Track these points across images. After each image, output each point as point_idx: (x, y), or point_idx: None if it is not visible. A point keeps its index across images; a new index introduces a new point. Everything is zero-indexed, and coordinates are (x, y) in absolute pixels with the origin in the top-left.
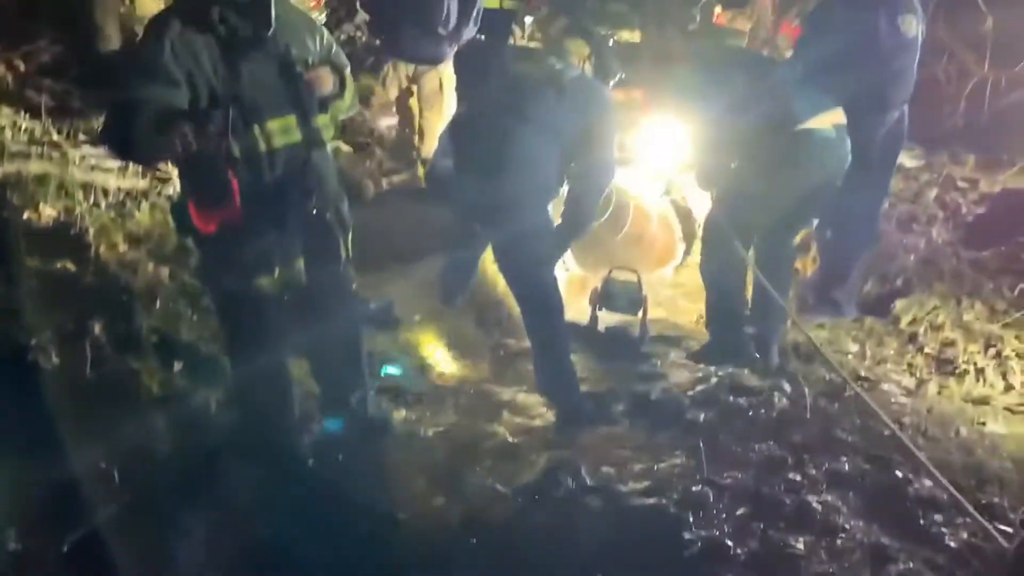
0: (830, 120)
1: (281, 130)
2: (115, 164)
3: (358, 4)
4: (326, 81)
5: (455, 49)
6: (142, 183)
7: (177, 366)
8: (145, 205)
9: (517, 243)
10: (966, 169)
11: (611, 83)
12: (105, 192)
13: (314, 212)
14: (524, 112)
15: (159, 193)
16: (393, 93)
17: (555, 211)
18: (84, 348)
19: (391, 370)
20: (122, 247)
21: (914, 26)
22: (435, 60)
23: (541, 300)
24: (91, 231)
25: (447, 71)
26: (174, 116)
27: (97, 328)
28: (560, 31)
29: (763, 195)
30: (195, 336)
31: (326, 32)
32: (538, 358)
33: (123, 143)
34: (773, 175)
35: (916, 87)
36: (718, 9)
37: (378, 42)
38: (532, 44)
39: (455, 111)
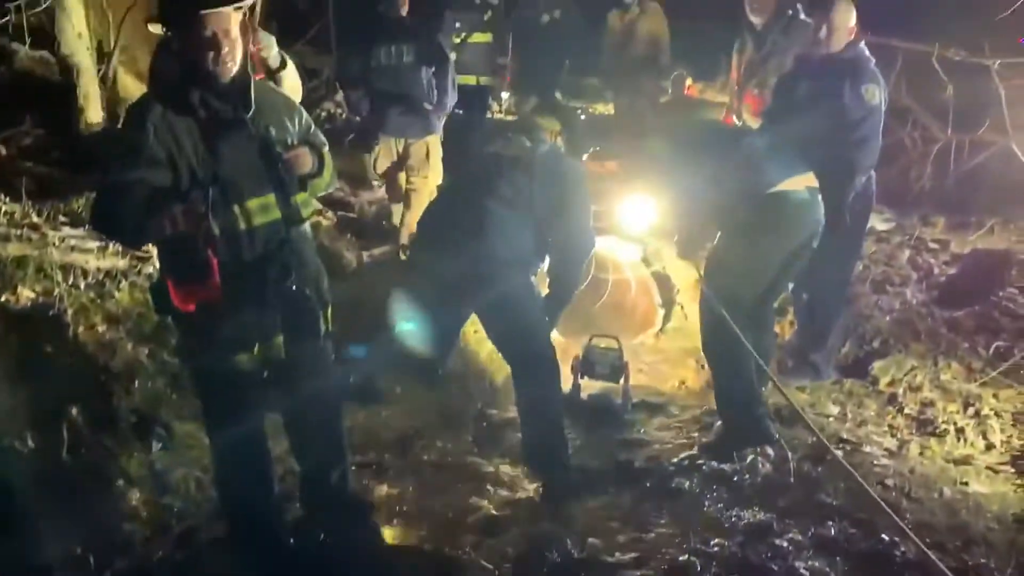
0: (803, 183)
1: (261, 209)
2: (95, 244)
3: (340, 91)
4: (305, 160)
5: (443, 119)
6: (121, 263)
7: (156, 446)
8: (125, 284)
9: (503, 315)
10: (936, 230)
11: (583, 156)
12: (84, 273)
13: (293, 288)
14: (497, 189)
15: (139, 272)
16: (383, 167)
17: (541, 282)
18: (60, 431)
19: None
20: (101, 327)
21: (877, 95)
22: (426, 133)
23: (532, 369)
24: (70, 312)
25: (434, 138)
26: (161, 198)
27: (74, 410)
28: (531, 110)
29: (747, 264)
30: (174, 415)
31: (304, 112)
32: (529, 429)
33: (113, 227)
34: (755, 242)
35: (884, 152)
36: (689, 81)
37: (361, 119)
38: (509, 118)
39: (438, 186)
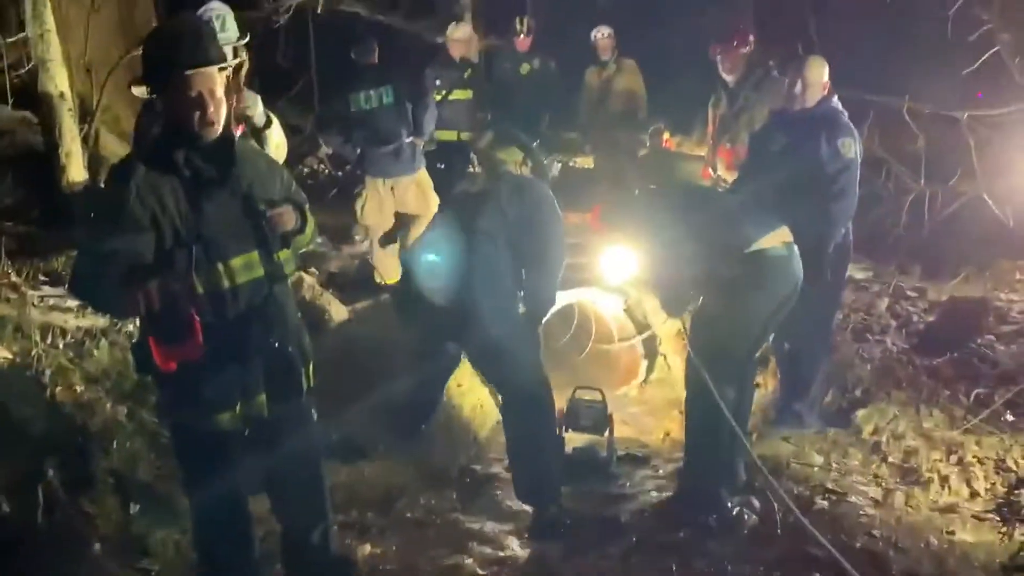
0: (780, 238)
1: (244, 266)
2: (75, 303)
3: (320, 139)
4: (289, 218)
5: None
6: (101, 321)
7: (134, 508)
8: (104, 343)
9: (492, 348)
10: (914, 279)
11: (550, 174)
12: (63, 332)
13: (276, 345)
14: (474, 225)
15: (119, 331)
16: (370, 214)
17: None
18: (36, 493)
19: None
20: (79, 387)
21: (852, 148)
22: (413, 171)
23: (523, 399)
24: (48, 372)
25: (423, 174)
26: (140, 272)
27: (51, 472)
28: (489, 144)
29: (731, 323)
30: (153, 476)
31: (285, 171)
32: (520, 461)
33: (92, 296)
34: (737, 301)
35: (860, 202)
36: (667, 135)
37: (348, 161)
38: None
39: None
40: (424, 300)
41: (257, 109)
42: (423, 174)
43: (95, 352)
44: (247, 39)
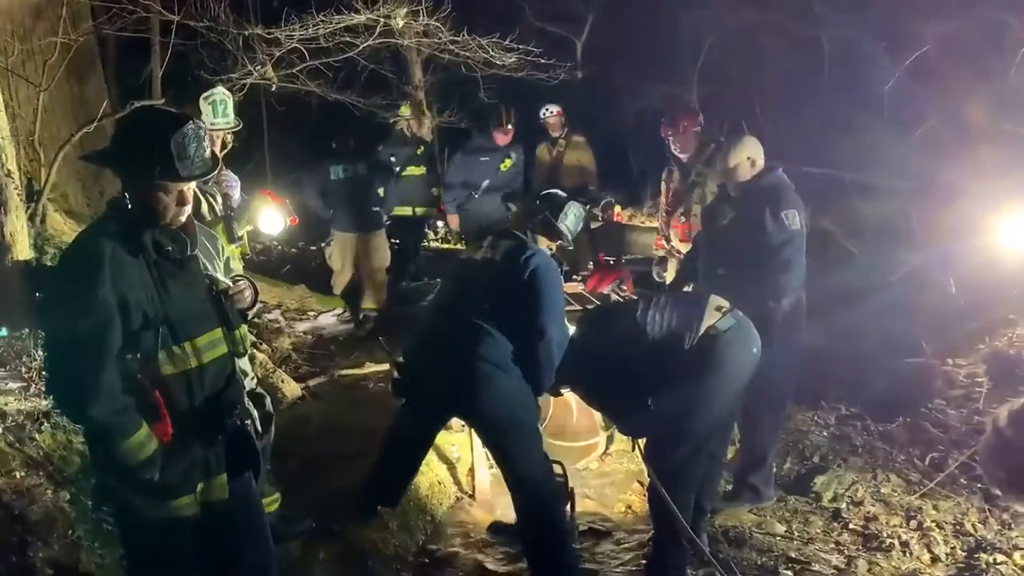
0: (722, 311)
1: (209, 345)
2: (15, 385)
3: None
4: (248, 294)
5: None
6: (44, 403)
7: None
8: (47, 426)
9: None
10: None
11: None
12: (3, 415)
13: (238, 423)
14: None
15: (62, 413)
16: (337, 259)
17: None
18: None
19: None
20: (19, 473)
21: (797, 219)
22: (379, 227)
23: (541, 480)
24: None
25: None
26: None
27: None
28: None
29: (699, 409)
30: (96, 566)
31: (220, 243)
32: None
33: (91, 396)
34: (700, 387)
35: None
36: (618, 208)
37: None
38: (445, 246)
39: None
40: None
41: (236, 192)
42: (382, 233)
43: (36, 436)
44: (240, 126)
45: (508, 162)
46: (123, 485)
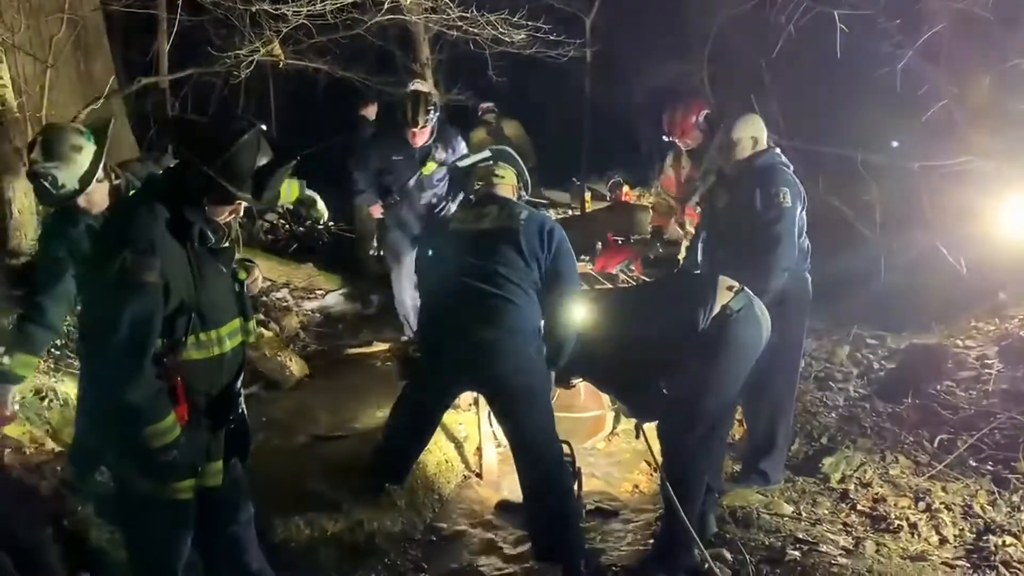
0: (733, 290)
1: (230, 333)
2: None
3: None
4: (259, 282)
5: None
6: (51, 381)
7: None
8: (56, 403)
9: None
10: (873, 325)
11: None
12: None
13: (241, 410)
14: (496, 258)
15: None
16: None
17: None
18: None
19: None
20: (28, 450)
21: (788, 197)
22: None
23: (551, 452)
24: None
25: None
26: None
27: None
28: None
29: (713, 391)
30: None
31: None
32: (539, 522)
33: (145, 392)
34: (714, 367)
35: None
36: (626, 188)
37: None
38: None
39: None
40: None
41: None
42: None
43: (45, 412)
44: None
45: (431, 165)
46: (127, 465)
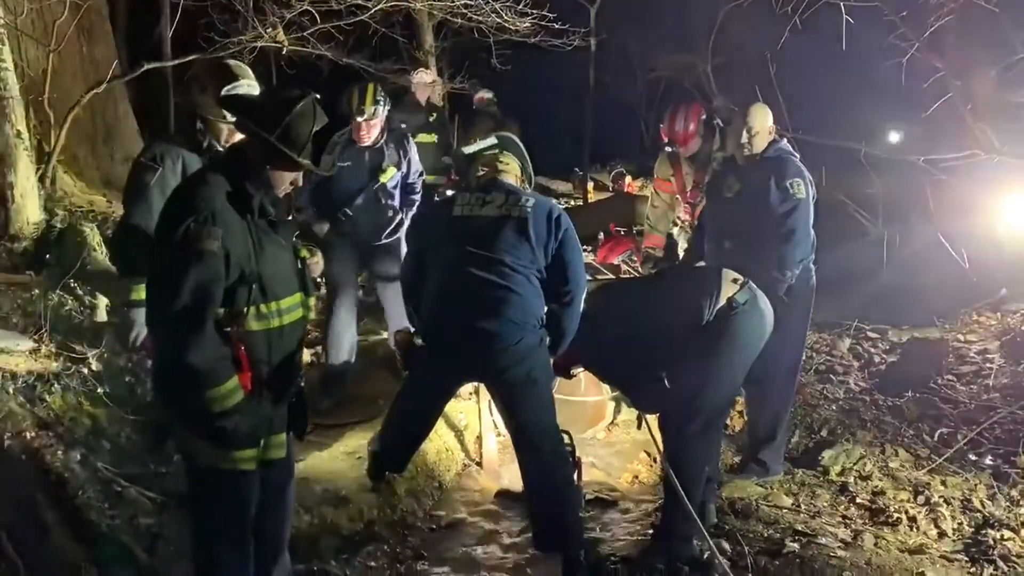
0: (737, 283)
1: (290, 308)
2: (25, 347)
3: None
4: (320, 264)
5: None
6: (54, 365)
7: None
8: (57, 388)
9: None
10: (875, 318)
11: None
12: (13, 376)
13: (300, 384)
14: (501, 248)
15: (71, 374)
16: None
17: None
18: None
19: None
20: (30, 434)
21: (803, 188)
22: None
23: (552, 443)
24: None
25: None
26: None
27: None
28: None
29: (716, 383)
30: (107, 526)
31: None
32: (541, 507)
33: (206, 353)
34: (717, 360)
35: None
36: (628, 179)
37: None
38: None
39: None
40: (448, 327)
41: None
42: None
43: (47, 397)
44: None
45: (390, 170)
46: (191, 435)
